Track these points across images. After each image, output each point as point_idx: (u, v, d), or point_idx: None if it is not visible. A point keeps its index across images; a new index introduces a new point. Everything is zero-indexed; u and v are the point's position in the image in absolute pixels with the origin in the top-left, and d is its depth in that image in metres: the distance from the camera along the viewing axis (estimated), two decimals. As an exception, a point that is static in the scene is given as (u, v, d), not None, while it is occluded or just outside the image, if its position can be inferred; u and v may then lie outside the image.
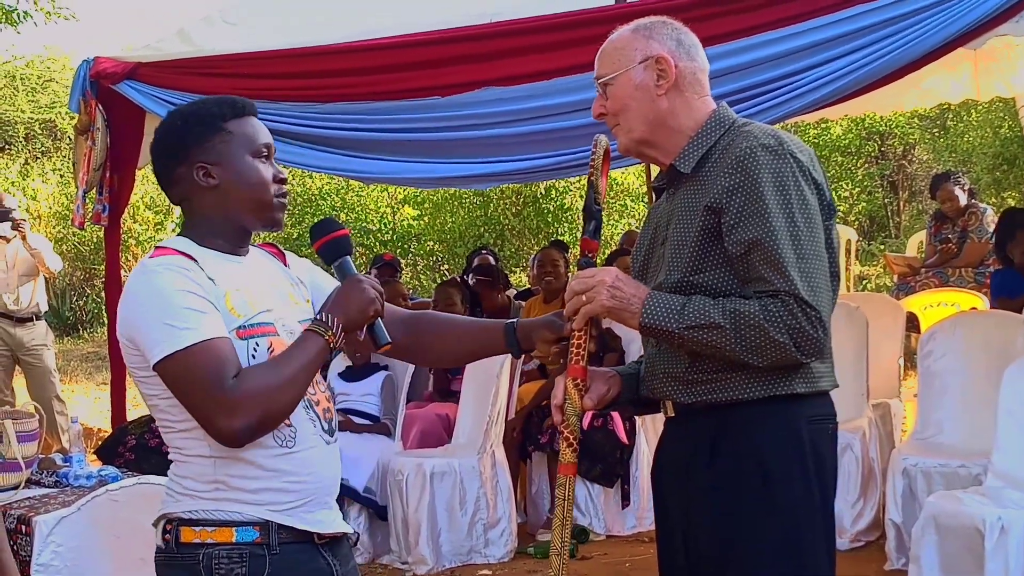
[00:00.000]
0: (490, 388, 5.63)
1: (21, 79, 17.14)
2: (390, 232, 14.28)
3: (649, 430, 5.85)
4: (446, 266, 14.35)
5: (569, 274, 6.86)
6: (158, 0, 27.75)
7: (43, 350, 7.47)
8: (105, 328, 9.57)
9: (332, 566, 2.17)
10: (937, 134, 15.46)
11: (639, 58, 2.33)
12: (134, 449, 5.47)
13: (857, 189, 14.70)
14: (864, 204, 14.93)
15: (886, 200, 15.59)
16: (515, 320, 2.41)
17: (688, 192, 2.31)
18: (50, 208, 14.42)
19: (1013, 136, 13.35)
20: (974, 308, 7.05)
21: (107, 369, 7.33)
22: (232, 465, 2.06)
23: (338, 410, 5.49)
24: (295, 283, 2.29)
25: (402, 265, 10.74)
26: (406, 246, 14.38)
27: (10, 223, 7.30)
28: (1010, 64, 6.80)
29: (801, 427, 2.25)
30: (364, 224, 14.08)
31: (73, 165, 5.98)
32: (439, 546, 5.43)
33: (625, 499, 5.77)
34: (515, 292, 8.30)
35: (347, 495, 5.33)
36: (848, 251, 10.46)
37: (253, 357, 2.07)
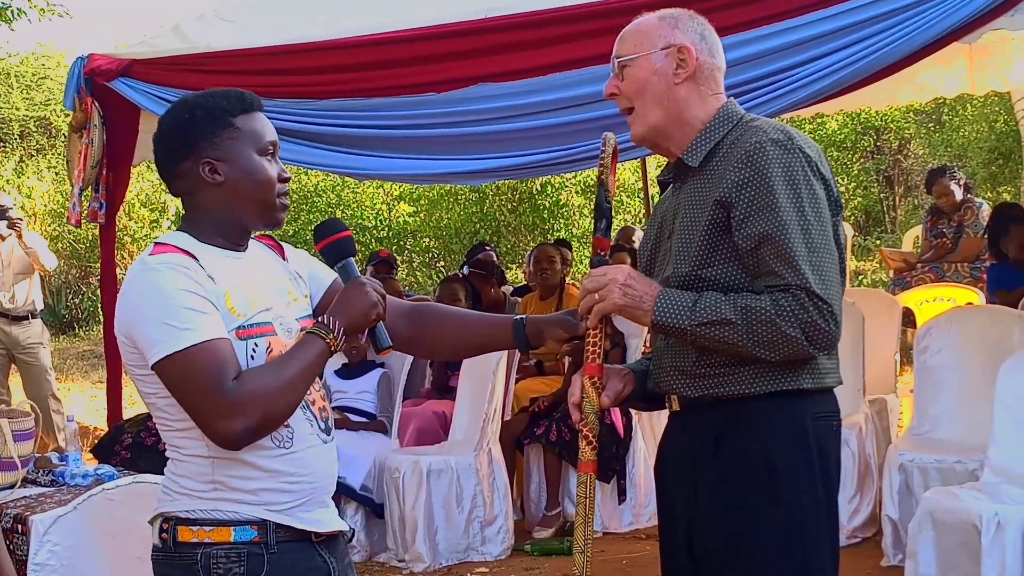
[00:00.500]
0: (486, 385, 5.62)
1: (16, 76, 17.09)
2: (386, 229, 14.25)
3: (646, 427, 5.85)
4: (442, 263, 14.34)
5: (566, 271, 6.86)
6: (153, -3, 27.69)
7: (39, 348, 7.46)
8: (101, 326, 9.55)
9: (329, 564, 2.17)
10: (932, 129, 15.46)
11: (661, 44, 2.33)
12: (130, 448, 5.47)
13: (853, 184, 14.69)
14: (860, 199, 14.92)
15: (882, 195, 15.58)
16: (524, 316, 2.39)
17: (695, 186, 2.31)
18: (45, 206, 14.38)
19: (1008, 131, 13.35)
20: (970, 303, 7.05)
21: (103, 367, 7.31)
22: (230, 466, 2.05)
23: (334, 408, 5.49)
24: (294, 278, 2.27)
25: (398, 262, 10.72)
26: (402, 243, 14.36)
27: (6, 221, 7.30)
28: (1005, 58, 6.80)
29: (806, 423, 2.26)
30: (360, 221, 14.04)
31: (67, 163, 5.96)
32: (436, 544, 5.43)
33: (621, 494, 5.75)
34: (512, 288, 8.29)
35: (344, 493, 5.32)
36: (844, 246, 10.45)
37: (252, 357, 2.06)
